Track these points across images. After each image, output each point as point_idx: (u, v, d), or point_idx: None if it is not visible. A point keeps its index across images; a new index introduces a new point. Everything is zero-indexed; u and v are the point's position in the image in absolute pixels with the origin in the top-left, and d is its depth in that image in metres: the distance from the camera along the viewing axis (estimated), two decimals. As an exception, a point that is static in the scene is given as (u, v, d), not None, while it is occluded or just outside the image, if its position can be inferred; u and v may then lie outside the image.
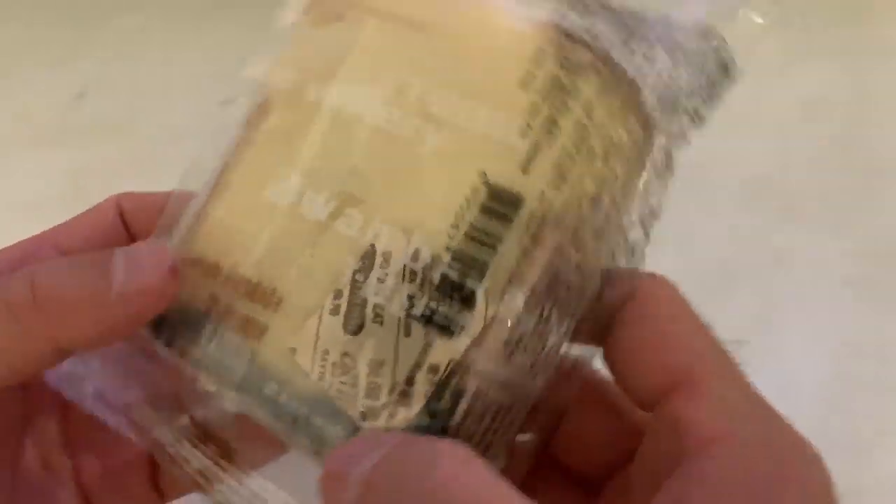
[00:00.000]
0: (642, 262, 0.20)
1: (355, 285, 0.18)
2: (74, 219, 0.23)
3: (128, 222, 0.23)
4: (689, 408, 0.18)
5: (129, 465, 0.24)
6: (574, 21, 0.18)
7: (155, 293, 0.18)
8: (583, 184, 0.19)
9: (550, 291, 0.18)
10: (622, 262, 0.20)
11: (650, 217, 0.20)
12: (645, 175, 0.20)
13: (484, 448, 0.18)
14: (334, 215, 0.18)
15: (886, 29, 0.50)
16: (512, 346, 0.18)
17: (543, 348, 0.19)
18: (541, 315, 0.18)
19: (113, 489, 0.23)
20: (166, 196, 0.21)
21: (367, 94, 0.19)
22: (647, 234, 0.20)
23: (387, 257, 0.18)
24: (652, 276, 0.20)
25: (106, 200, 0.23)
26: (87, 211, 0.24)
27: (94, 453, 0.23)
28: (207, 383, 0.19)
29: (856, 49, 0.49)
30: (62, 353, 0.19)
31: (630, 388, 0.20)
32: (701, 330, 0.19)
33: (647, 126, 0.20)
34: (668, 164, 0.20)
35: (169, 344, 0.19)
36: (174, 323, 0.19)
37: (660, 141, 0.20)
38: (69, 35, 0.56)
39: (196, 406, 0.20)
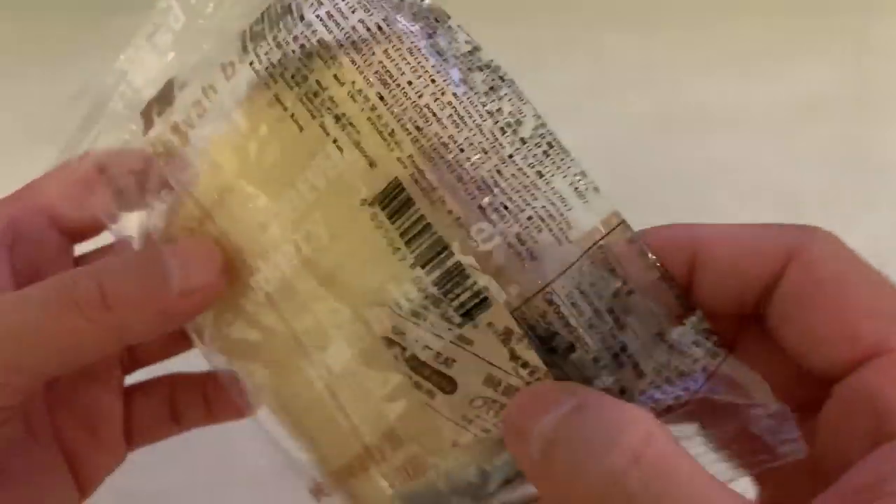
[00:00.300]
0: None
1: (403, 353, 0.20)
2: (53, 178, 0.23)
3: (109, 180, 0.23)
4: (887, 385, 0.16)
5: (104, 419, 0.25)
6: None
7: (210, 290, 0.20)
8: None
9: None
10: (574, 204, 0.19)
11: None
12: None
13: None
14: None
15: (887, 27, 0.50)
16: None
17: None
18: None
19: (89, 443, 0.24)
20: (144, 154, 0.22)
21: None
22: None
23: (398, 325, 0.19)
24: (811, 231, 0.18)
25: (82, 158, 0.23)
26: (64, 168, 0.23)
27: (72, 411, 0.24)
28: None
29: (857, 47, 0.49)
30: (123, 343, 0.21)
31: (806, 359, 0.18)
32: (886, 289, 0.18)
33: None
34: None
35: None
36: None
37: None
38: (69, 34, 0.56)
39: None
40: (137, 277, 0.19)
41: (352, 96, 0.18)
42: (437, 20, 0.19)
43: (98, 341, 0.20)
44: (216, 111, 0.20)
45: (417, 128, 0.18)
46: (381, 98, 0.18)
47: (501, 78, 0.19)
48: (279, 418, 0.23)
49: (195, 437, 0.28)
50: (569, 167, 0.18)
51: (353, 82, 0.18)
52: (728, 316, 0.19)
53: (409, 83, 0.18)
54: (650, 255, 0.18)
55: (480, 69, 0.19)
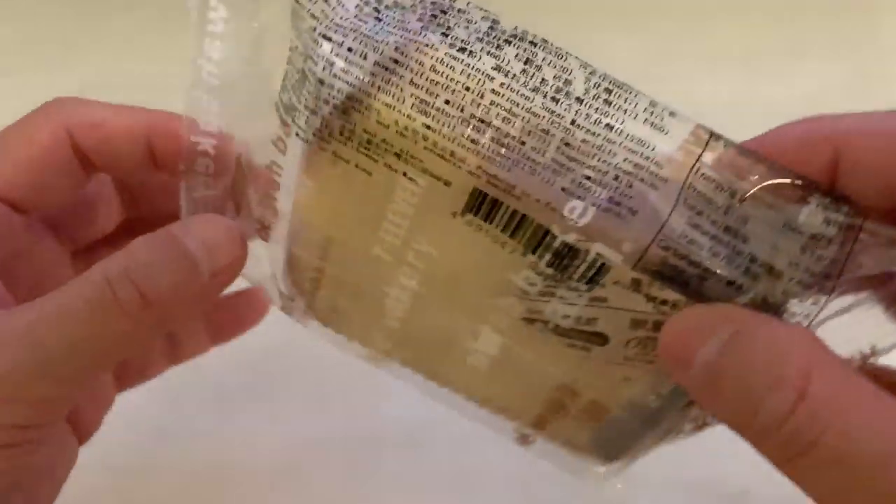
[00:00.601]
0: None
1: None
2: (12, 151, 0.22)
3: (85, 153, 0.23)
4: None
5: None
6: None
7: (237, 263, 0.21)
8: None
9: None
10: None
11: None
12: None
13: None
14: None
15: (888, 24, 0.50)
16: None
17: None
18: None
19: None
20: (122, 119, 0.23)
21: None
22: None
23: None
24: None
25: (46, 131, 0.22)
26: (24, 138, 0.23)
27: None
28: None
29: (857, 45, 0.49)
30: (165, 332, 0.22)
31: None
32: None
33: None
34: None
35: None
36: None
37: None
38: (69, 33, 0.56)
39: None
40: (170, 270, 0.19)
41: (401, 134, 0.18)
42: (444, 11, 0.18)
43: (142, 337, 0.20)
44: (288, 181, 0.20)
45: (473, 141, 0.18)
46: (428, 127, 0.18)
47: (532, 43, 0.18)
48: (450, 395, 0.25)
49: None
50: (635, 105, 0.18)
51: (396, 121, 0.18)
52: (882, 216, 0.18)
53: (447, 102, 0.18)
54: (749, 152, 0.18)
55: (509, 42, 0.18)
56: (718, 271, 0.18)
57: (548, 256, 0.19)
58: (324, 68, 0.18)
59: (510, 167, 0.18)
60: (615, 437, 0.23)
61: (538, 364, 0.22)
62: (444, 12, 0.18)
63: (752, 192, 0.17)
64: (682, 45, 0.50)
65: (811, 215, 0.18)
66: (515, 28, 0.18)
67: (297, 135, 0.19)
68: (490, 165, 0.18)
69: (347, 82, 0.18)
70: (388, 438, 0.32)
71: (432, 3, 0.19)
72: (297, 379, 0.34)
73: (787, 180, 0.18)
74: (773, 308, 0.18)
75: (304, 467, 0.32)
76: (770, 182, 0.18)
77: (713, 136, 0.18)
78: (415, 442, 0.32)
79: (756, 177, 0.18)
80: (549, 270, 0.19)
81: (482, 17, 0.18)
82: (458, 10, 0.18)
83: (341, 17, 0.18)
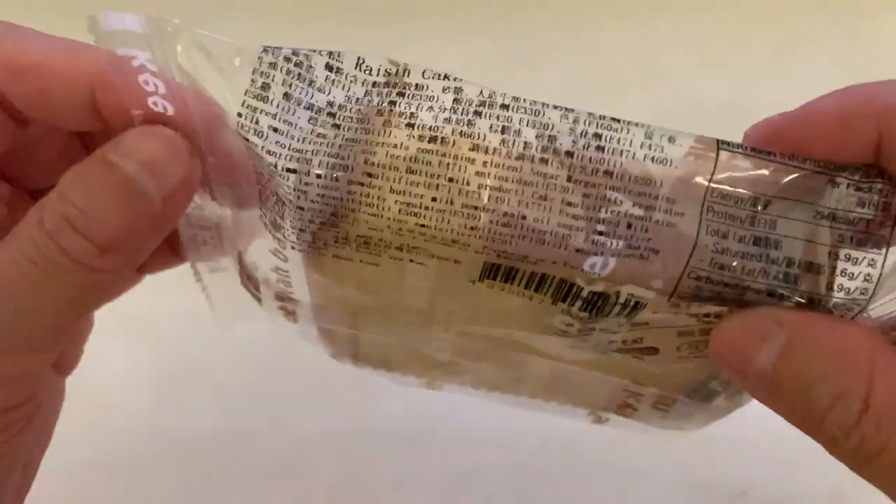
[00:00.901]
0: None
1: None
2: None
3: (11, 103, 0.19)
4: None
5: None
6: None
7: (189, 181, 0.18)
8: None
9: None
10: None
11: None
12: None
13: None
14: None
15: (883, 22, 0.50)
16: None
17: None
18: None
19: None
20: (59, 65, 0.18)
21: None
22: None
23: None
24: None
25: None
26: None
27: None
28: None
29: (852, 43, 0.49)
30: (129, 271, 0.20)
31: None
32: None
33: None
34: None
35: None
36: None
37: None
38: (67, 32, 0.56)
39: None
40: (118, 208, 0.17)
41: (397, 233, 0.17)
42: (402, 94, 0.17)
43: (107, 282, 0.18)
44: (297, 280, 0.20)
45: (472, 228, 0.17)
46: (423, 226, 0.17)
47: (504, 106, 0.17)
48: (514, 398, 0.25)
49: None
50: (630, 142, 0.17)
51: (388, 227, 0.17)
52: None
53: (434, 199, 0.17)
54: (759, 151, 0.16)
55: (479, 113, 0.17)
56: (756, 287, 0.17)
57: (578, 303, 0.18)
58: (298, 197, 0.17)
59: (517, 242, 0.17)
60: (685, 415, 0.23)
61: (594, 376, 0.22)
62: (402, 94, 0.17)
63: (773, 195, 0.16)
64: (681, 44, 0.50)
65: (842, 197, 0.16)
66: (481, 93, 0.17)
67: (291, 248, 0.19)
68: (495, 244, 0.17)
69: (326, 204, 0.17)
70: (388, 438, 0.32)
71: (386, 85, 0.17)
72: (297, 379, 0.34)
73: (807, 169, 0.16)
74: (820, 303, 0.17)
75: (304, 467, 0.32)
76: (790, 177, 0.17)
77: (719, 146, 0.17)
78: (414, 442, 0.32)
79: (773, 176, 0.17)
80: (584, 314, 0.18)
81: (443, 90, 0.17)
82: (416, 87, 0.17)
83: (299, 139, 0.17)
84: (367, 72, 0.18)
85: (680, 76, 0.47)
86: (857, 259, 0.17)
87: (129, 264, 0.18)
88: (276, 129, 0.17)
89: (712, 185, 0.16)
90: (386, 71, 0.17)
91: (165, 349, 0.35)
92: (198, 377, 0.31)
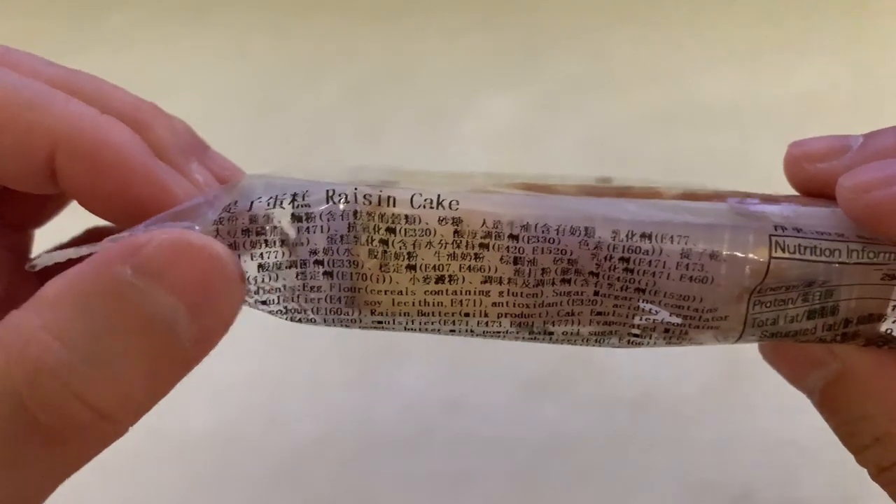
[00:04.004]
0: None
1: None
2: None
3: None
4: None
5: None
6: None
7: (234, 317, 0.14)
8: None
9: None
10: None
11: None
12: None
13: None
14: None
15: (883, 22, 0.50)
16: None
17: None
18: None
19: None
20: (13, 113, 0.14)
21: None
22: None
23: None
24: None
25: None
26: None
27: None
28: None
29: (857, 42, 0.49)
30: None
31: None
32: None
33: None
34: None
35: None
36: None
37: None
38: (65, 31, 0.56)
39: None
40: (137, 356, 0.12)
41: None
42: (391, 230, 0.15)
43: (97, 449, 0.13)
44: None
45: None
46: None
47: (512, 237, 0.15)
48: None
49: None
50: (664, 263, 0.15)
51: None
52: None
53: (452, 331, 0.16)
54: (822, 236, 0.15)
55: (485, 247, 0.15)
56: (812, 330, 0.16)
57: None
58: (288, 320, 0.16)
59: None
60: None
61: None
62: (393, 231, 0.15)
63: (832, 271, 0.15)
64: (685, 43, 0.50)
65: None
66: (483, 223, 0.15)
67: None
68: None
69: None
70: (388, 438, 0.32)
71: (370, 217, 0.15)
72: (296, 379, 0.34)
73: (887, 257, 0.15)
74: (881, 340, 0.17)
75: (304, 467, 0.31)
76: (855, 251, 0.15)
77: (771, 254, 0.15)
78: (414, 442, 0.32)
79: (837, 256, 0.15)
80: None
81: (440, 221, 0.15)
82: (407, 220, 0.15)
83: (293, 299, 0.16)
84: (343, 200, 0.15)
85: (680, 76, 0.47)
86: None
87: (131, 424, 0.13)
88: (265, 302, 0.16)
89: (761, 286, 0.15)
90: (365, 197, 0.15)
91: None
92: (194, 379, 0.30)
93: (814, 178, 0.17)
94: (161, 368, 0.13)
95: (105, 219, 0.16)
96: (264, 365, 0.34)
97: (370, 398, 0.33)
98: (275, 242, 0.15)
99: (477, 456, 0.31)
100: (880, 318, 0.16)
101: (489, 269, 0.15)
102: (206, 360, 0.29)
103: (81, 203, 0.15)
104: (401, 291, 0.15)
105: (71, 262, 0.13)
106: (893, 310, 0.16)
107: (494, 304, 0.16)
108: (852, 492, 0.28)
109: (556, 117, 0.45)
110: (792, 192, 0.18)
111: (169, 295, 0.12)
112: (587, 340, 0.16)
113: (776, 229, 0.15)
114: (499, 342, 0.17)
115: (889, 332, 0.16)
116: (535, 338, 0.16)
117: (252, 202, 0.15)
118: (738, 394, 0.30)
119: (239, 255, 0.15)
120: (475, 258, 0.15)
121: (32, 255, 0.15)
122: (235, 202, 0.15)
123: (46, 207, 0.19)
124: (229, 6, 0.56)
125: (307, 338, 0.33)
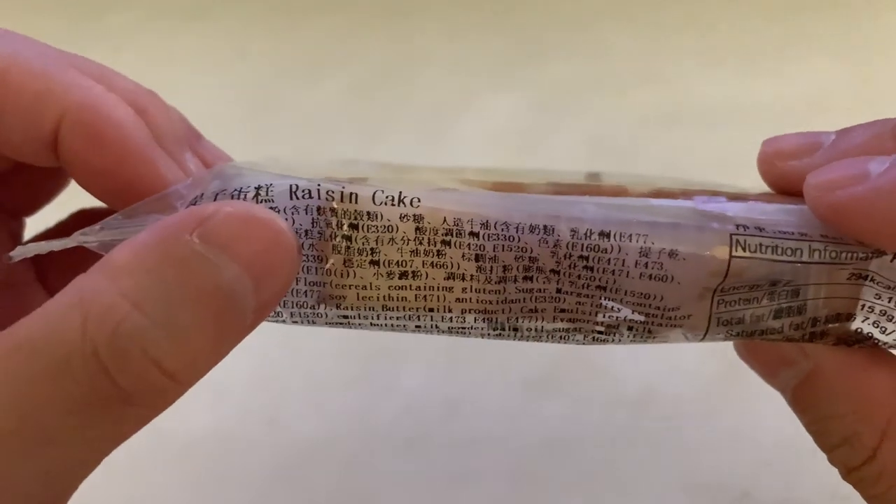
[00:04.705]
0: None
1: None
2: None
3: None
4: None
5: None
6: None
7: (289, 287, 0.14)
8: None
9: None
10: None
11: None
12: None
13: None
14: None
15: (883, 22, 0.50)
16: None
17: None
18: None
19: None
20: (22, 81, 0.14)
21: None
22: None
23: None
24: None
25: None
26: None
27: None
28: None
29: (857, 42, 0.49)
30: None
31: None
32: None
33: None
34: None
35: None
36: None
37: None
38: (62, 31, 0.56)
39: None
40: (204, 324, 0.13)
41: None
42: (354, 226, 0.15)
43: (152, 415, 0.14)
44: None
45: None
46: None
47: (473, 234, 0.15)
48: None
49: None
50: (622, 262, 0.15)
51: None
52: None
53: (418, 327, 0.16)
54: (783, 236, 0.15)
55: (447, 243, 0.15)
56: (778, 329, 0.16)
57: None
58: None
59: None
60: None
61: None
62: (356, 227, 0.15)
63: (797, 270, 0.15)
64: (686, 43, 0.50)
65: (883, 267, 0.15)
66: (444, 220, 0.15)
67: None
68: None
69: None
70: (388, 438, 0.32)
71: (333, 214, 0.15)
72: (296, 379, 0.34)
73: (853, 257, 0.15)
74: (851, 339, 0.17)
75: (302, 469, 0.31)
76: (821, 251, 0.15)
77: (731, 253, 0.15)
78: (414, 442, 0.32)
79: (801, 255, 0.15)
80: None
81: (401, 218, 0.15)
82: (370, 217, 0.15)
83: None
84: (306, 196, 0.15)
85: (680, 76, 0.47)
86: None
87: (191, 386, 0.14)
88: None
89: (723, 285, 0.15)
90: (328, 193, 0.15)
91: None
92: (196, 377, 0.31)
93: (785, 175, 0.17)
94: (224, 336, 0.13)
95: (96, 196, 0.16)
96: (264, 365, 0.34)
97: (370, 398, 0.33)
98: None
99: (477, 456, 0.31)
100: (849, 317, 0.16)
101: (452, 266, 0.16)
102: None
103: (76, 178, 0.16)
104: (365, 286, 0.16)
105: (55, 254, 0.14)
106: (863, 309, 0.16)
107: (458, 299, 0.16)
108: (853, 492, 0.28)
109: (557, 117, 0.45)
110: (767, 189, 0.18)
111: (237, 266, 0.13)
112: (553, 337, 0.16)
113: (738, 228, 0.15)
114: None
115: (859, 330, 0.16)
116: (501, 334, 0.17)
117: (216, 195, 0.15)
118: (738, 394, 0.30)
119: None
120: (437, 255, 0.15)
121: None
122: (202, 194, 0.15)
123: (40, 194, 0.19)
124: (229, 6, 0.56)
125: (307, 338, 0.33)
